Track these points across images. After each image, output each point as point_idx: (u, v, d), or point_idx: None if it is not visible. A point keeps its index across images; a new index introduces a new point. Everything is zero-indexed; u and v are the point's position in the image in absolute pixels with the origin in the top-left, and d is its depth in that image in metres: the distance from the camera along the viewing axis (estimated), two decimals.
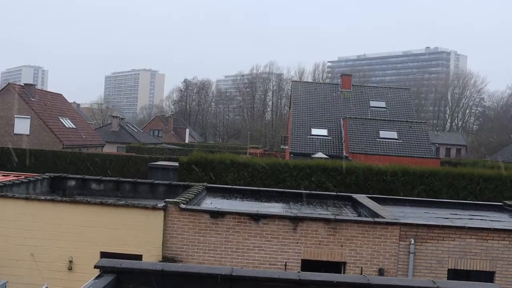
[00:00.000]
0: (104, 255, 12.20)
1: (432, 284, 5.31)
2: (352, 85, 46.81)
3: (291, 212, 13.59)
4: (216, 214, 12.59)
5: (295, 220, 12.54)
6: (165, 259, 12.36)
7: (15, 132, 41.94)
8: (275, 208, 15.24)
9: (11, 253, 12.62)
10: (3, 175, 18.08)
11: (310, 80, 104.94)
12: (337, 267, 12.58)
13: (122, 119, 76.58)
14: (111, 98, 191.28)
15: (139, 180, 17.55)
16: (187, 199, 13.28)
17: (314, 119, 41.79)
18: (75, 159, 34.89)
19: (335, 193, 17.93)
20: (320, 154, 35.30)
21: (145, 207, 12.78)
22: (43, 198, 13.17)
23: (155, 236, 12.61)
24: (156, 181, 17.55)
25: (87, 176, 17.59)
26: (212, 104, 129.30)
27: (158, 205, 12.77)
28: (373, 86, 52.94)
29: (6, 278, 12.28)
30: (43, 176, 16.91)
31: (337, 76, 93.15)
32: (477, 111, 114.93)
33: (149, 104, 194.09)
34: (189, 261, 12.40)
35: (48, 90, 59.71)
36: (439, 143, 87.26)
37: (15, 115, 42.17)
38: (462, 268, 12.41)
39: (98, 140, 52.59)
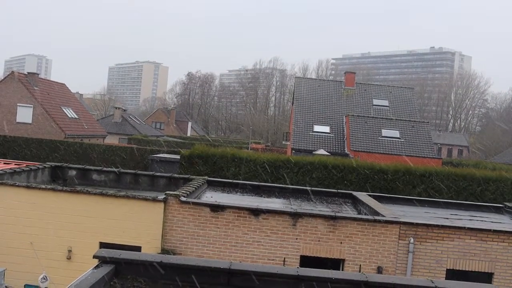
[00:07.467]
0: (103, 245, 12.23)
1: (430, 283, 5.30)
2: (356, 83, 46.67)
3: (291, 208, 13.58)
4: (216, 208, 12.59)
5: (295, 216, 12.54)
6: (164, 251, 12.37)
7: (17, 120, 41.96)
8: (275, 203, 15.22)
9: (10, 241, 12.63)
10: (4, 163, 18.07)
11: (313, 77, 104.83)
12: (336, 264, 12.58)
13: (124, 110, 76.49)
14: (114, 89, 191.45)
15: (140, 172, 17.54)
16: (188, 192, 13.27)
17: (316, 116, 41.73)
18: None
19: (336, 190, 17.92)
20: (321, 151, 35.26)
21: (146, 199, 12.78)
22: (44, 187, 13.16)
23: (154, 228, 12.61)
24: (157, 174, 17.55)
25: (88, 166, 17.57)
26: (215, 98, 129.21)
27: (158, 197, 12.77)
28: (376, 85, 52.72)
29: (4, 266, 12.30)
30: (44, 165, 16.91)
31: (341, 74, 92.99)
32: (480, 113, 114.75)
33: (152, 97, 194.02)
34: (188, 254, 12.41)
35: (52, 79, 59.63)
36: (441, 144, 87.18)
37: (18, 104, 42.17)
38: (460, 269, 12.41)
39: (100, 130, 52.62)
